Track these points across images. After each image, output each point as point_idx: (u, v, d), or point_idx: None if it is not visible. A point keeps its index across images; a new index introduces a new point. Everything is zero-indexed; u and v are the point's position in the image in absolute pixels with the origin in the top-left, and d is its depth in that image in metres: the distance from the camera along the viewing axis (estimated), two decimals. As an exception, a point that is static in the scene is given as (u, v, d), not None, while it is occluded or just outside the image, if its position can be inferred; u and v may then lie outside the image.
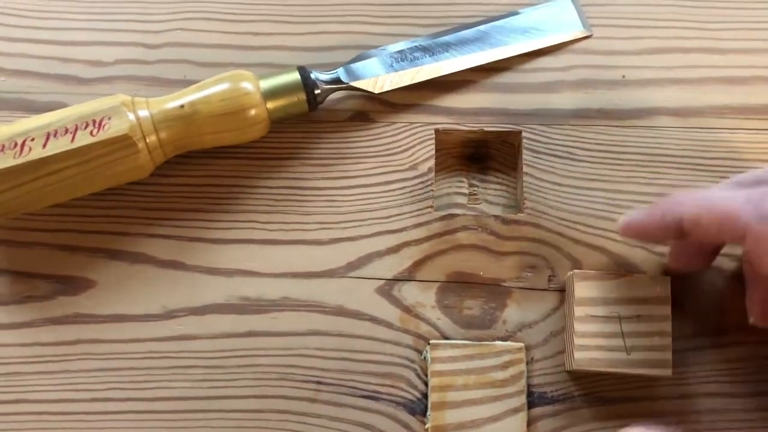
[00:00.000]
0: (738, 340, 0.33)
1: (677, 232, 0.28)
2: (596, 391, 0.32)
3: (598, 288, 0.31)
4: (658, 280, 0.31)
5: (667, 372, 0.30)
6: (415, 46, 0.36)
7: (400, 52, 0.35)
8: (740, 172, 0.34)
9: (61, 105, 0.35)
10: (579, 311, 0.31)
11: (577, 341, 0.31)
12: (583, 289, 0.31)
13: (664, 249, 0.33)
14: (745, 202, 0.26)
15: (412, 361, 0.33)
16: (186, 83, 0.34)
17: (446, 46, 0.36)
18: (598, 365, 0.30)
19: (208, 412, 0.32)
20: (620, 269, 0.33)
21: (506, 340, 0.33)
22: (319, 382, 0.33)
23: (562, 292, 0.33)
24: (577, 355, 0.31)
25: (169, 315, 0.33)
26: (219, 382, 0.33)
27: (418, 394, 0.32)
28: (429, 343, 0.33)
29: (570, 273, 0.32)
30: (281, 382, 0.33)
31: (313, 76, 0.34)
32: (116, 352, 0.33)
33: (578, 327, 0.31)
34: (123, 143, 0.31)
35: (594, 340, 0.31)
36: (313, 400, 0.32)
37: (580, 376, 0.32)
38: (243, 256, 0.34)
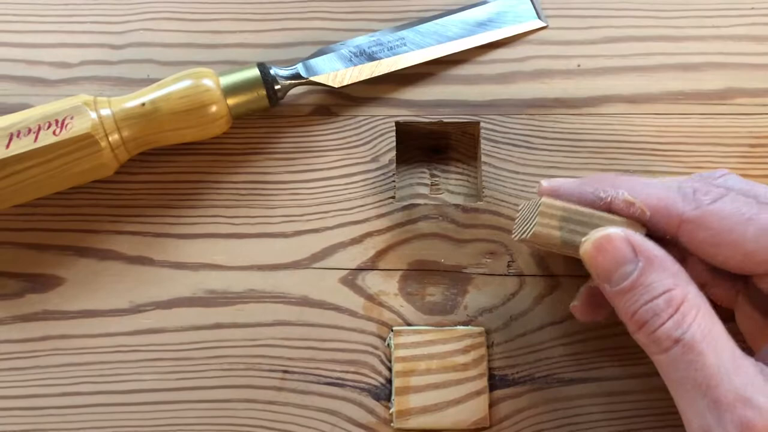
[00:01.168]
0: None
1: (607, 210, 0.28)
2: (555, 372, 0.33)
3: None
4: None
5: None
6: (374, 41, 0.36)
7: (358, 46, 0.36)
8: (692, 155, 0.36)
9: (27, 107, 0.35)
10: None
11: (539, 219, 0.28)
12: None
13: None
14: (679, 191, 0.27)
15: (376, 348, 0.33)
16: (150, 82, 0.35)
17: (404, 40, 0.36)
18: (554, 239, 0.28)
19: (177, 403, 0.33)
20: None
21: (467, 325, 0.34)
22: (285, 371, 0.33)
23: (521, 276, 0.34)
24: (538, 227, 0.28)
25: (137, 309, 0.34)
26: (187, 373, 0.33)
27: (382, 380, 0.33)
28: (392, 330, 0.33)
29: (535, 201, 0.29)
30: (248, 372, 0.33)
31: (272, 71, 0.34)
32: (85, 347, 0.33)
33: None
34: (86, 142, 0.32)
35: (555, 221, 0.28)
36: (279, 389, 0.33)
37: (541, 358, 0.33)
38: (209, 250, 0.35)
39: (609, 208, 0.28)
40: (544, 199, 0.28)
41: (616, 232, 0.26)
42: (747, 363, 0.24)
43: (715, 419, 0.23)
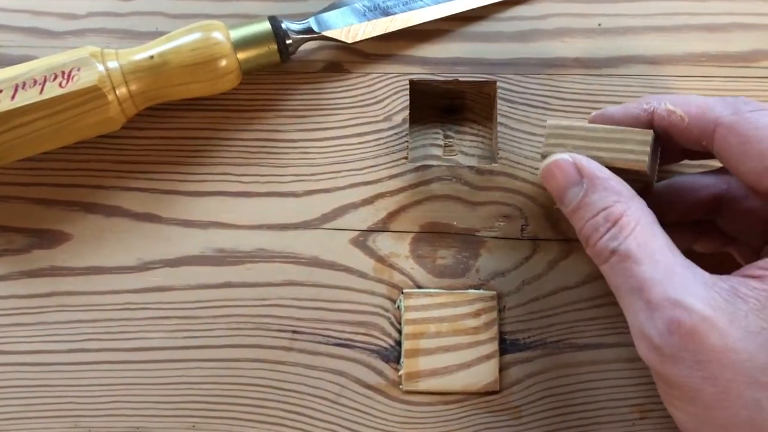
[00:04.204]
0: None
1: (647, 124, 0.28)
2: (568, 337, 0.33)
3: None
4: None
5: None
6: (389, -5, 0.35)
7: (373, 0, 0.35)
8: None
9: (32, 58, 0.34)
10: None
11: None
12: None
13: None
14: (721, 99, 0.27)
15: (386, 310, 0.33)
16: (158, 35, 0.34)
17: (420, -5, 0.35)
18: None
19: (184, 362, 0.33)
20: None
21: (479, 289, 0.33)
22: (294, 331, 0.33)
23: (535, 240, 0.34)
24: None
25: (145, 267, 0.33)
26: (195, 332, 0.33)
27: (391, 342, 0.33)
28: (402, 292, 0.33)
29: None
30: (257, 332, 0.33)
31: (284, 25, 0.33)
32: (92, 304, 0.33)
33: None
34: (92, 95, 0.31)
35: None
36: (288, 349, 0.33)
37: (553, 323, 0.33)
38: (218, 208, 0.34)
39: (652, 117, 0.29)
40: (549, 121, 0.30)
41: (562, 157, 0.28)
42: (685, 271, 0.25)
43: (646, 318, 0.25)
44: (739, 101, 0.27)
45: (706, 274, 0.25)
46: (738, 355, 0.23)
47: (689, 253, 0.27)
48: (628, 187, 0.27)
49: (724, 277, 0.25)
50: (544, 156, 0.30)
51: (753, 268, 0.25)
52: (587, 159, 0.28)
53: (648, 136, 0.28)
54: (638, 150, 0.28)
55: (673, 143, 0.29)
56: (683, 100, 0.28)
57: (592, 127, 0.29)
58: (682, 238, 0.31)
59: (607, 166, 0.28)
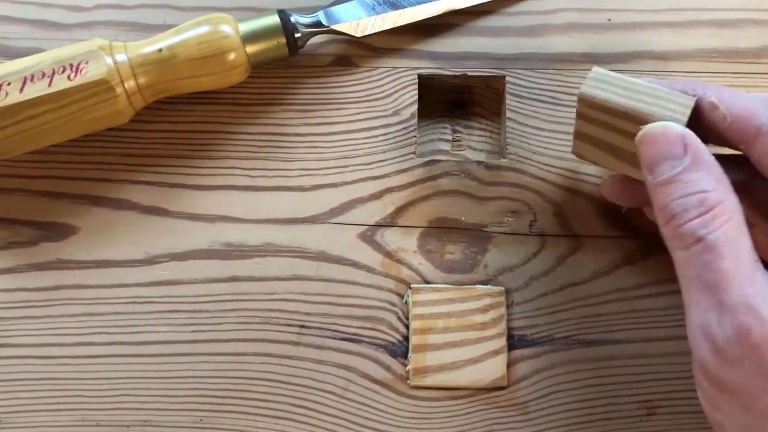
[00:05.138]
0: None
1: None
2: (576, 333, 0.33)
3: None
4: None
5: None
6: (398, -11, 0.35)
7: (382, -6, 0.35)
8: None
9: (39, 50, 0.34)
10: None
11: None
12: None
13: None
14: (766, 103, 0.26)
15: (394, 305, 0.33)
16: (165, 28, 0.34)
17: (429, -11, 0.35)
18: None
19: (191, 356, 0.33)
20: (603, 215, 0.33)
21: (487, 284, 0.33)
22: (302, 326, 0.33)
23: (544, 236, 0.33)
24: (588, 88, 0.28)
25: (152, 260, 0.33)
26: (203, 326, 0.33)
27: (399, 337, 0.33)
28: (410, 287, 0.33)
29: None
30: (264, 326, 0.33)
31: (293, 19, 0.33)
32: (99, 297, 0.33)
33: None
34: (101, 87, 0.31)
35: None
36: (295, 343, 0.33)
37: (561, 319, 0.33)
38: (225, 202, 0.34)
39: (696, 108, 0.27)
40: (595, 68, 0.28)
41: (672, 125, 0.26)
42: (763, 278, 0.24)
43: (716, 318, 0.23)
44: None
45: None
46: None
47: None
48: (728, 179, 0.26)
49: None
50: (581, 96, 0.28)
51: None
52: (697, 137, 0.26)
53: (690, 101, 0.27)
54: (678, 111, 0.27)
55: (708, 135, 0.28)
56: (730, 97, 0.27)
57: (636, 81, 0.28)
58: None
59: (641, 121, 0.27)
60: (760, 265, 0.24)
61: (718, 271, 0.24)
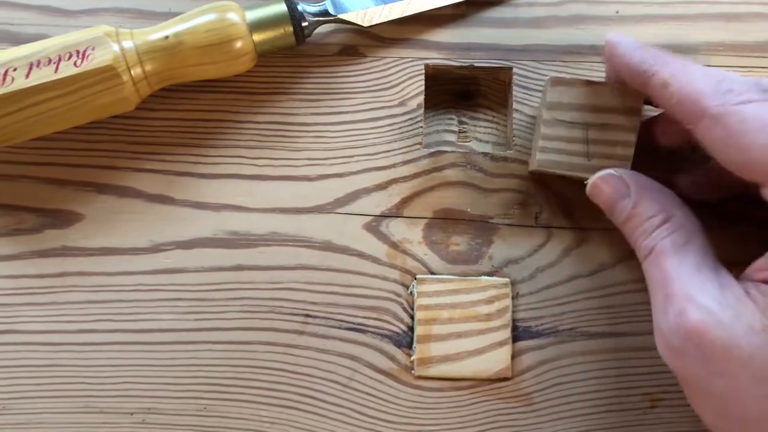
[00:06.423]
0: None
1: (642, 83, 0.29)
2: (580, 326, 0.33)
3: (571, 94, 0.31)
4: (631, 91, 0.31)
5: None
6: (406, -21, 0.35)
7: (389, -16, 0.35)
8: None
9: (45, 37, 0.34)
10: (547, 114, 0.31)
11: (541, 143, 0.31)
12: (556, 93, 0.31)
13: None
14: (716, 85, 0.27)
15: (399, 295, 0.33)
16: (171, 15, 0.34)
17: (437, -21, 0.35)
18: (557, 168, 0.31)
19: (196, 344, 0.33)
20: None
21: (492, 276, 0.33)
22: (306, 315, 0.33)
23: (549, 228, 0.33)
24: (539, 156, 0.31)
25: (157, 248, 0.33)
26: (207, 314, 0.33)
27: (404, 327, 0.33)
28: (415, 278, 0.33)
29: (548, 78, 0.32)
30: (269, 315, 0.33)
31: (300, 7, 0.33)
32: (103, 285, 0.33)
33: (544, 130, 0.31)
34: (107, 74, 0.31)
35: (557, 144, 0.31)
36: (300, 333, 0.33)
37: (566, 311, 0.33)
38: (231, 190, 0.34)
39: (648, 82, 0.28)
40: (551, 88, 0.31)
41: (610, 172, 0.30)
42: (708, 272, 0.26)
43: (662, 311, 0.26)
44: (732, 92, 0.26)
45: (728, 278, 0.26)
46: (742, 351, 0.24)
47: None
48: (674, 196, 0.29)
49: (744, 282, 0.26)
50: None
51: (761, 272, 0.26)
52: (635, 173, 0.30)
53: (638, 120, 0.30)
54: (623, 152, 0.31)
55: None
56: (683, 75, 0.27)
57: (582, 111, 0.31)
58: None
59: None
60: (709, 260, 0.27)
61: (664, 270, 0.27)
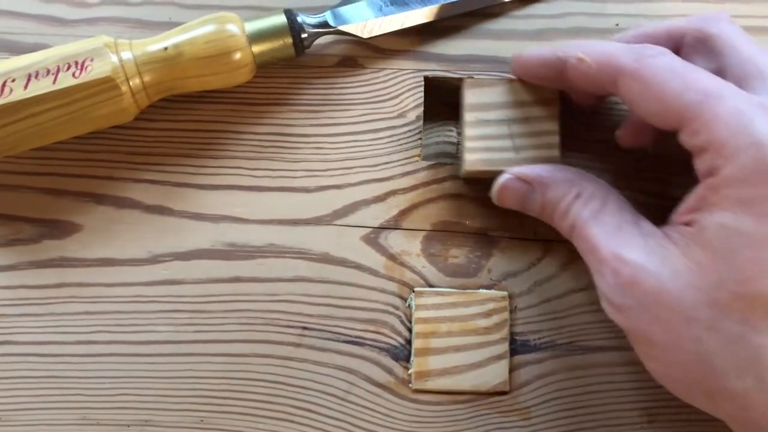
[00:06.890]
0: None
1: (559, 71, 0.30)
2: (579, 339, 0.33)
3: (488, 93, 0.32)
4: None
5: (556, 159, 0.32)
6: (406, -10, 0.35)
7: (389, -5, 0.35)
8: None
9: (44, 46, 0.34)
10: (469, 116, 0.32)
11: (468, 144, 0.32)
12: (472, 95, 0.32)
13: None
14: (628, 47, 0.28)
15: (397, 308, 0.33)
16: (171, 26, 0.34)
17: (437, -9, 0.35)
18: (488, 165, 0.32)
19: (193, 356, 0.33)
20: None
21: (491, 289, 0.33)
22: (304, 328, 0.33)
23: (548, 242, 0.33)
24: (468, 157, 0.32)
25: (155, 260, 0.33)
26: (204, 326, 0.33)
27: (401, 340, 0.33)
28: (414, 291, 0.33)
29: (463, 81, 0.33)
30: (266, 327, 0.33)
31: (299, 19, 0.33)
32: (102, 296, 0.33)
33: (469, 131, 0.32)
34: (106, 85, 0.31)
35: (484, 143, 0.32)
36: (297, 345, 0.33)
37: (564, 325, 0.33)
38: (229, 202, 0.34)
39: (565, 66, 0.30)
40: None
41: (505, 177, 0.31)
42: (630, 227, 0.27)
43: (599, 276, 0.27)
44: (645, 48, 0.28)
45: (648, 227, 0.27)
46: (670, 295, 0.25)
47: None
48: (576, 170, 0.30)
49: (664, 227, 0.27)
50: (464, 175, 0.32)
51: (682, 215, 0.27)
52: (528, 167, 0.31)
53: (555, 125, 0.32)
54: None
55: (584, 87, 0.30)
56: (595, 47, 0.29)
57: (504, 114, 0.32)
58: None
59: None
60: (628, 216, 0.28)
61: (589, 238, 0.28)
